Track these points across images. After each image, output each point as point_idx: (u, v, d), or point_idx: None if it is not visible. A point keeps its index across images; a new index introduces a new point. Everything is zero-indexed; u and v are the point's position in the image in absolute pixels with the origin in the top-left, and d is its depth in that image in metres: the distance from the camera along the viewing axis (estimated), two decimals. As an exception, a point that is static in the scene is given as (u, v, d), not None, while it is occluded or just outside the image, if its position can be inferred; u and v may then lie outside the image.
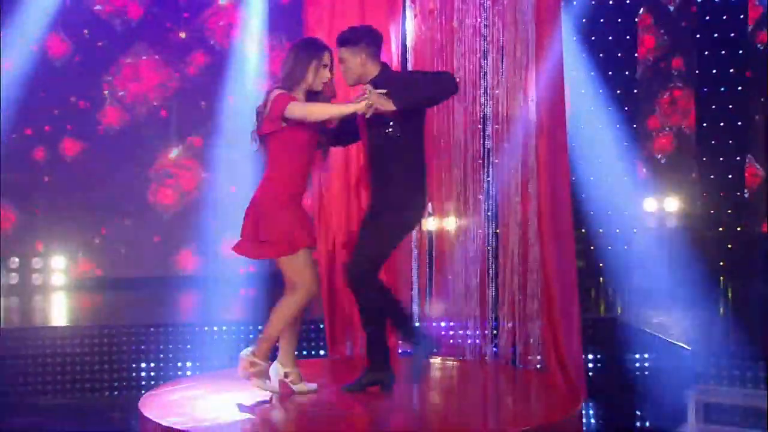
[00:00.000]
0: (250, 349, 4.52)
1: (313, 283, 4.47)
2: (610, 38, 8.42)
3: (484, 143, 5.36)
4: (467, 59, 5.38)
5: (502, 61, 5.17)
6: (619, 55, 8.33)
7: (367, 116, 4.26)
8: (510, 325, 5.17)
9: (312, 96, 4.43)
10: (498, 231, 5.27)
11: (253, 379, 4.46)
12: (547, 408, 4.58)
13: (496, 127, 5.25)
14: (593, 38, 8.23)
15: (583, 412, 4.71)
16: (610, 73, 8.35)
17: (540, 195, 4.78)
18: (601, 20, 8.35)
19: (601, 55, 8.25)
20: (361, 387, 4.51)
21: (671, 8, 9.36)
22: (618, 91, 8.38)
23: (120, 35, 8.71)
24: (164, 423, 4.14)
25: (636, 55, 8.67)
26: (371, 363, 4.54)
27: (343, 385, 4.56)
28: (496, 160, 5.30)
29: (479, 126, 5.36)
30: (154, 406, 4.43)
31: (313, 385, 4.61)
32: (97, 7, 8.63)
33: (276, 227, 4.35)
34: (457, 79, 4.88)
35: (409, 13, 5.50)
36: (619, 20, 8.53)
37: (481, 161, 5.36)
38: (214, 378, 5.14)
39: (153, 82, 8.80)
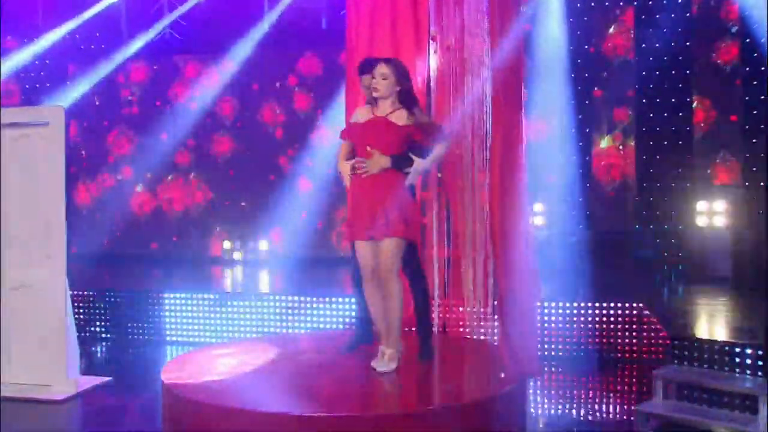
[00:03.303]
0: None
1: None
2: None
3: (485, 155, 6.34)
4: (473, 84, 6.43)
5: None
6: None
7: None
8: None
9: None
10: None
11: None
12: (481, 384, 5.03)
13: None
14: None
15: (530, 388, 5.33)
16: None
17: (493, 188, 5.67)
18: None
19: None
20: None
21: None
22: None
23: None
24: (163, 378, 4.77)
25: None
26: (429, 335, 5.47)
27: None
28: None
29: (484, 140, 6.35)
30: (175, 362, 5.27)
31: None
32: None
33: None
34: None
35: (431, 49, 6.62)
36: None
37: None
38: (259, 342, 6.30)
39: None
